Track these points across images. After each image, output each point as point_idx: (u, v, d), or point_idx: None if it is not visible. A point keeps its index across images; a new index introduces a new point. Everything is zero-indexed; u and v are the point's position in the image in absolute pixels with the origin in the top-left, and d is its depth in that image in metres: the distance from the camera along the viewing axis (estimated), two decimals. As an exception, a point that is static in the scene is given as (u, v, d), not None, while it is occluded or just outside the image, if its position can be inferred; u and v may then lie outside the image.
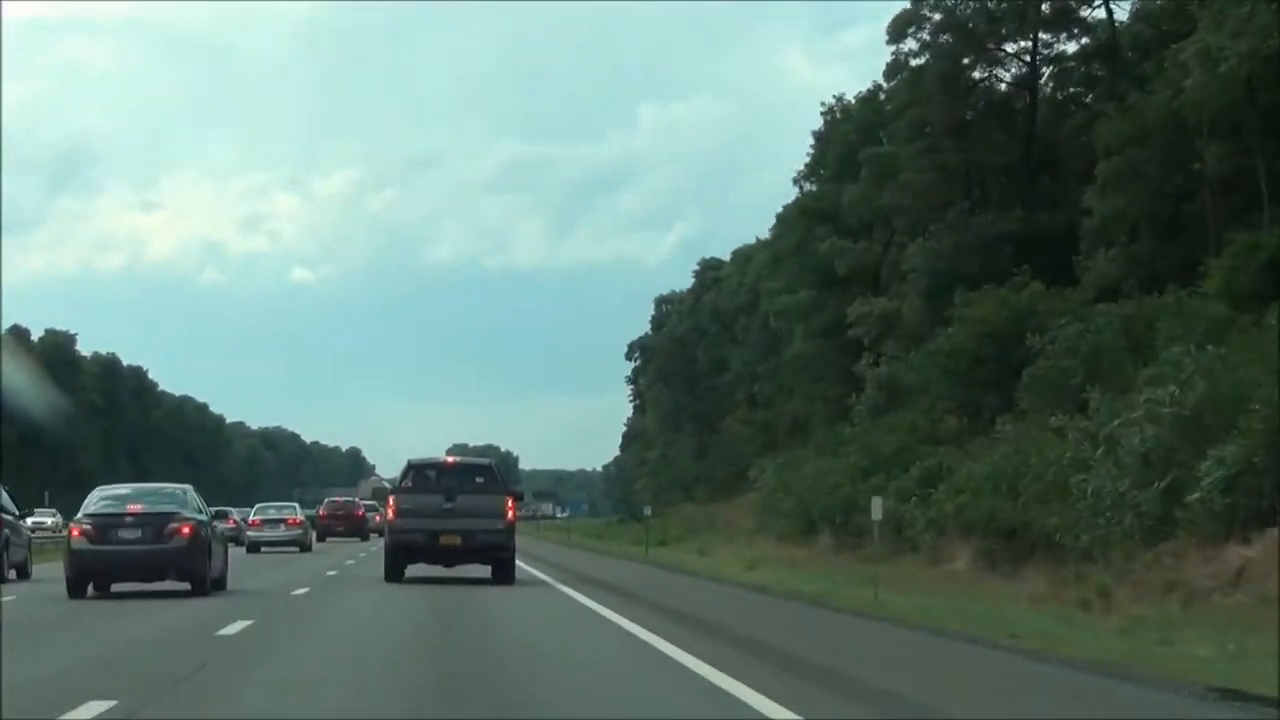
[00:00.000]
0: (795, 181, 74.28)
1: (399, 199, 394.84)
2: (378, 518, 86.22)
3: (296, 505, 75.95)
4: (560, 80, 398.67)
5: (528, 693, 14.96)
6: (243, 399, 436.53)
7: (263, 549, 65.62)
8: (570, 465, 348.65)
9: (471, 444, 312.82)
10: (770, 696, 13.91)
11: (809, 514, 48.99)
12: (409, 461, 37.77)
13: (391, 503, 36.66)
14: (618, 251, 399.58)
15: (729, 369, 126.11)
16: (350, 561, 50.56)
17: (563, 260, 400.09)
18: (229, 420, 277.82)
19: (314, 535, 73.27)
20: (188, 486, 33.79)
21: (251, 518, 71.21)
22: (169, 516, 30.42)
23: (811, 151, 73.21)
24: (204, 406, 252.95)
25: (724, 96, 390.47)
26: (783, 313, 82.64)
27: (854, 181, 63.00)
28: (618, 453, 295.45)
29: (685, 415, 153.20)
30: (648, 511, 77.13)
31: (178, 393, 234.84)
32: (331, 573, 42.17)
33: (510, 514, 35.76)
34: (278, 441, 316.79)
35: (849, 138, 65.76)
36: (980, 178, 53.27)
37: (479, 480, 36.66)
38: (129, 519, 30.37)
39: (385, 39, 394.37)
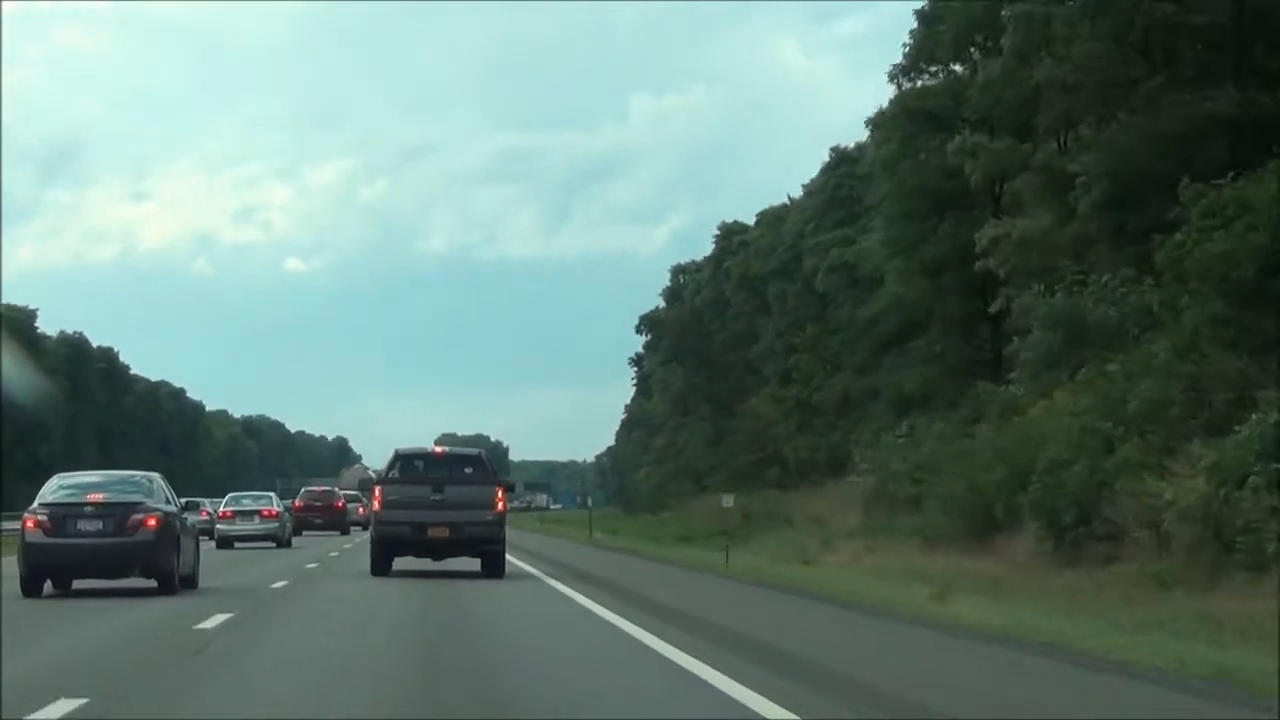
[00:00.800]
0: (892, 78, 59.12)
1: (391, 189, 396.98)
2: (361, 509, 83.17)
3: (273, 495, 69.01)
4: (553, 70, 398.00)
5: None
6: (232, 389, 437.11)
7: (235, 544, 60.02)
8: (561, 456, 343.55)
9: (460, 433, 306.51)
10: None
11: (987, 507, 34.06)
12: (396, 451, 36.80)
13: (378, 493, 35.54)
14: (610, 242, 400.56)
15: (756, 342, 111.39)
16: (334, 553, 49.55)
17: (555, 251, 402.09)
18: (210, 409, 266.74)
19: (291, 528, 66.73)
20: (155, 474, 31.55)
21: (222, 509, 65.23)
22: (133, 507, 28.79)
23: (911, 39, 58.08)
24: (181, 392, 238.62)
25: (717, 86, 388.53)
26: (864, 255, 68.55)
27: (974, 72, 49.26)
28: (611, 443, 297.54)
29: (699, 397, 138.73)
30: (728, 503, 61.71)
31: (153, 377, 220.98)
32: (311, 565, 40.65)
33: (500, 505, 35.16)
34: (260, 430, 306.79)
35: (972, 11, 50.61)
36: (1170, 46, 38.47)
37: (468, 470, 35.76)
38: (89, 509, 28.65)
39: (378, 28, 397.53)
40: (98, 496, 29.04)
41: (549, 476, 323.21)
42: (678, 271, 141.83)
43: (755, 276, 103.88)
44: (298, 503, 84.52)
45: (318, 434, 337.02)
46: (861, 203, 79.36)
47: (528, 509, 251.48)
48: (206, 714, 13.36)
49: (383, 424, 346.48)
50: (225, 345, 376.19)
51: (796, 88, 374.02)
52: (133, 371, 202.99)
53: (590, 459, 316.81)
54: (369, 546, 35.97)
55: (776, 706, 12.90)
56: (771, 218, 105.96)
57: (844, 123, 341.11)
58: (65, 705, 13.06)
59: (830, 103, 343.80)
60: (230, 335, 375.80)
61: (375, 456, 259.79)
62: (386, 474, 36.32)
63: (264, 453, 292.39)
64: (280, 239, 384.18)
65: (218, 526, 62.71)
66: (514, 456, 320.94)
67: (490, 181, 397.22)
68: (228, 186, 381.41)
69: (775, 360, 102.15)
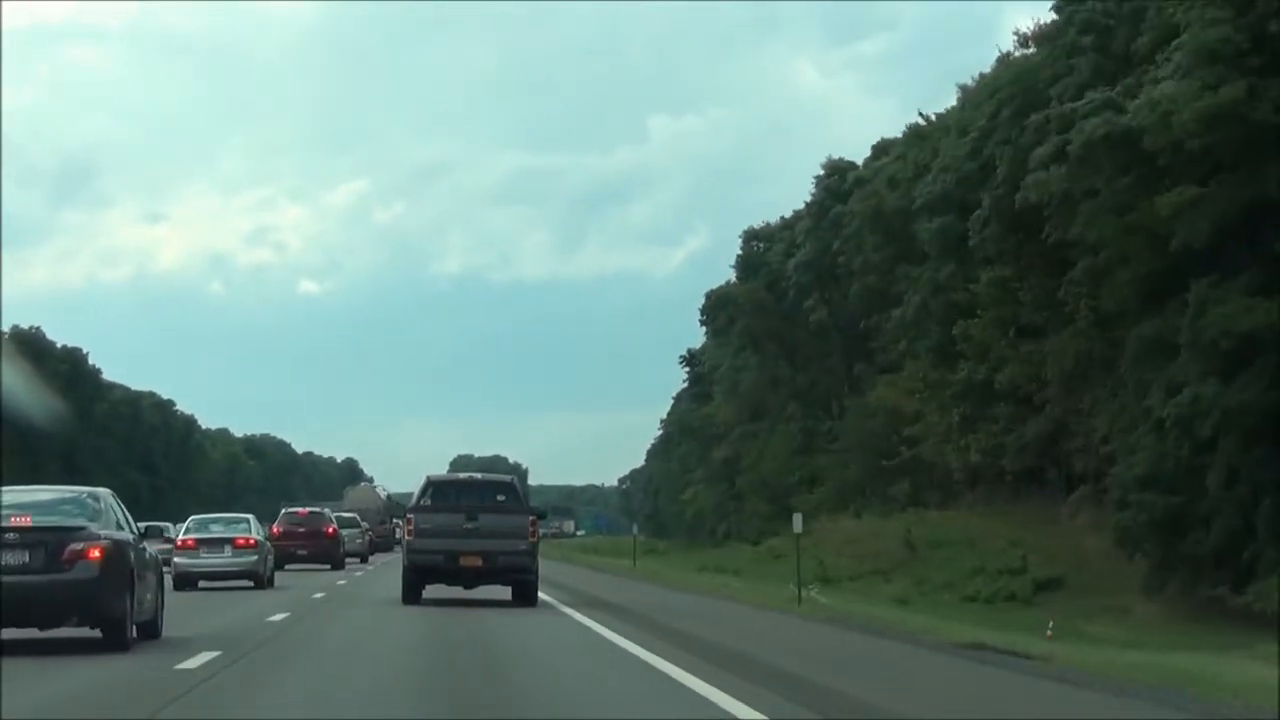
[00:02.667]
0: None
1: (406, 211, 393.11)
2: (369, 536, 75.53)
3: (251, 519, 52.09)
4: (570, 91, 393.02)
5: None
6: (244, 411, 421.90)
7: (199, 583, 45.81)
8: (577, 481, 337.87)
9: (477, 455, 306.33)
10: None
11: None
12: (428, 478, 36.08)
13: (410, 521, 34.64)
14: (625, 264, 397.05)
15: (878, 312, 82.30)
16: (318, 594, 39.62)
17: (570, 272, 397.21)
18: (213, 427, 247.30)
19: (269, 566, 49.27)
20: (104, 491, 24.41)
21: (181, 536, 49.43)
22: (71, 533, 22.05)
23: None
24: (168, 404, 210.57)
25: (734, 107, 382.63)
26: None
27: None
28: (636, 465, 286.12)
29: (783, 393, 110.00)
30: (798, 526, 36.17)
31: (135, 385, 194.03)
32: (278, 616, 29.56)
33: (533, 534, 34.34)
34: (264, 450, 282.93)
35: None
36: None
37: (500, 498, 35.05)
38: (10, 536, 21.66)
39: (394, 49, 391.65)
40: (23, 520, 21.91)
41: (567, 502, 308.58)
42: (751, 238, 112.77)
43: (889, 213, 74.49)
44: (276, 528, 65.85)
45: (326, 454, 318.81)
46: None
47: (558, 535, 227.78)
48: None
49: (395, 446, 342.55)
50: (238, 367, 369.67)
51: (814, 109, 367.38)
52: (105, 376, 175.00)
53: (611, 483, 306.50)
54: (400, 573, 34.97)
55: None
56: (911, 138, 77.09)
57: (862, 144, 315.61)
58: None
59: (848, 124, 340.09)
60: (242, 357, 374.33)
61: (387, 479, 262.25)
62: (419, 501, 35.10)
63: (267, 474, 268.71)
64: (294, 260, 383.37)
65: (175, 559, 46.22)
66: (532, 480, 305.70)
67: (505, 202, 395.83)
68: (242, 208, 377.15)
69: (918, 331, 73.20)
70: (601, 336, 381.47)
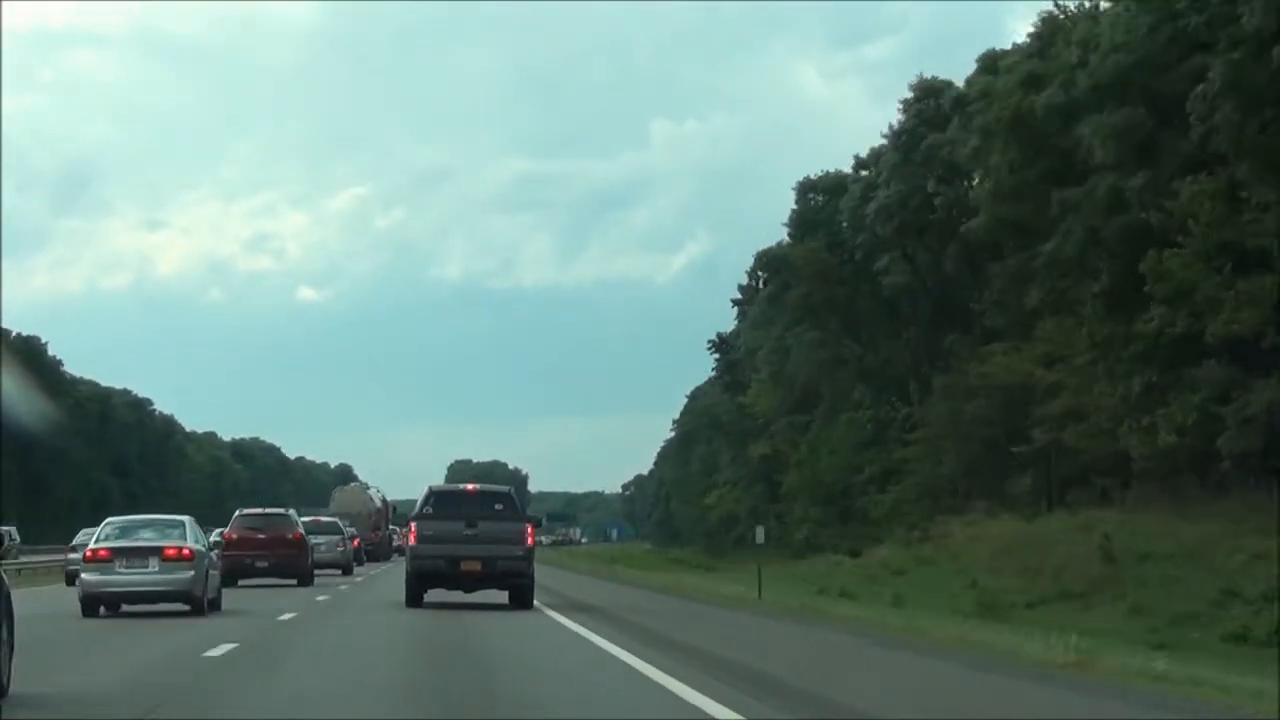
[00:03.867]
0: None
1: (407, 217, 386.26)
2: (351, 545, 64.34)
3: (188, 521, 36.41)
4: (572, 96, 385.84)
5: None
6: (238, 418, 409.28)
7: (119, 606, 33.98)
8: (578, 487, 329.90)
9: (475, 460, 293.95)
10: None
11: None
12: (430, 488, 37.16)
13: (413, 528, 35.44)
14: (626, 269, 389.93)
15: (1003, 257, 64.00)
16: (286, 615, 31.69)
17: (571, 278, 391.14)
18: (200, 430, 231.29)
19: (212, 584, 35.31)
20: None
21: (93, 545, 35.38)
22: None
23: None
24: (143, 402, 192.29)
25: (736, 112, 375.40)
26: None
27: None
28: (637, 471, 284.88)
29: (847, 374, 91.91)
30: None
31: (105, 382, 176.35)
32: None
33: (529, 540, 35.45)
34: (253, 454, 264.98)
35: None
36: None
37: (498, 507, 35.96)
38: None
39: (396, 55, 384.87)
40: None
41: (569, 508, 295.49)
42: (807, 190, 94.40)
43: (1032, 116, 55.55)
44: (229, 533, 54.88)
45: (319, 460, 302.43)
46: None
47: (565, 543, 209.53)
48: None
49: (392, 453, 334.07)
50: (234, 374, 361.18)
51: (817, 113, 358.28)
52: (66, 369, 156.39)
53: (613, 489, 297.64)
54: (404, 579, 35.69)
55: None
56: (1045, 31, 58.73)
57: (865, 148, 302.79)
58: None
59: (852, 128, 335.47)
60: (240, 364, 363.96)
61: (384, 485, 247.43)
62: (421, 509, 35.85)
63: (255, 478, 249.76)
64: (293, 267, 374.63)
65: (83, 575, 34.64)
66: (532, 487, 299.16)
67: (507, 208, 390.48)
68: (243, 214, 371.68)
69: (1079, 272, 54.87)
70: (602, 342, 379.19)
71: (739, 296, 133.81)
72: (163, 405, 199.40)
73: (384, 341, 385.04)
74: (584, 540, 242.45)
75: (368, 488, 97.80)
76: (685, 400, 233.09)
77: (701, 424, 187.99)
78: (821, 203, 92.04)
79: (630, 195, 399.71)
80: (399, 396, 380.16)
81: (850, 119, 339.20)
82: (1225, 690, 18.35)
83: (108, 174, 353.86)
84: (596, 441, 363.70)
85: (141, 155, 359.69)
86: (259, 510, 59.34)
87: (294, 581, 51.42)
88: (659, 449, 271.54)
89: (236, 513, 57.84)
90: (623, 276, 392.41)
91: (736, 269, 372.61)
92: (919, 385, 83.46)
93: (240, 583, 49.66)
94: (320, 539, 62.20)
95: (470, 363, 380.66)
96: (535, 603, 35.16)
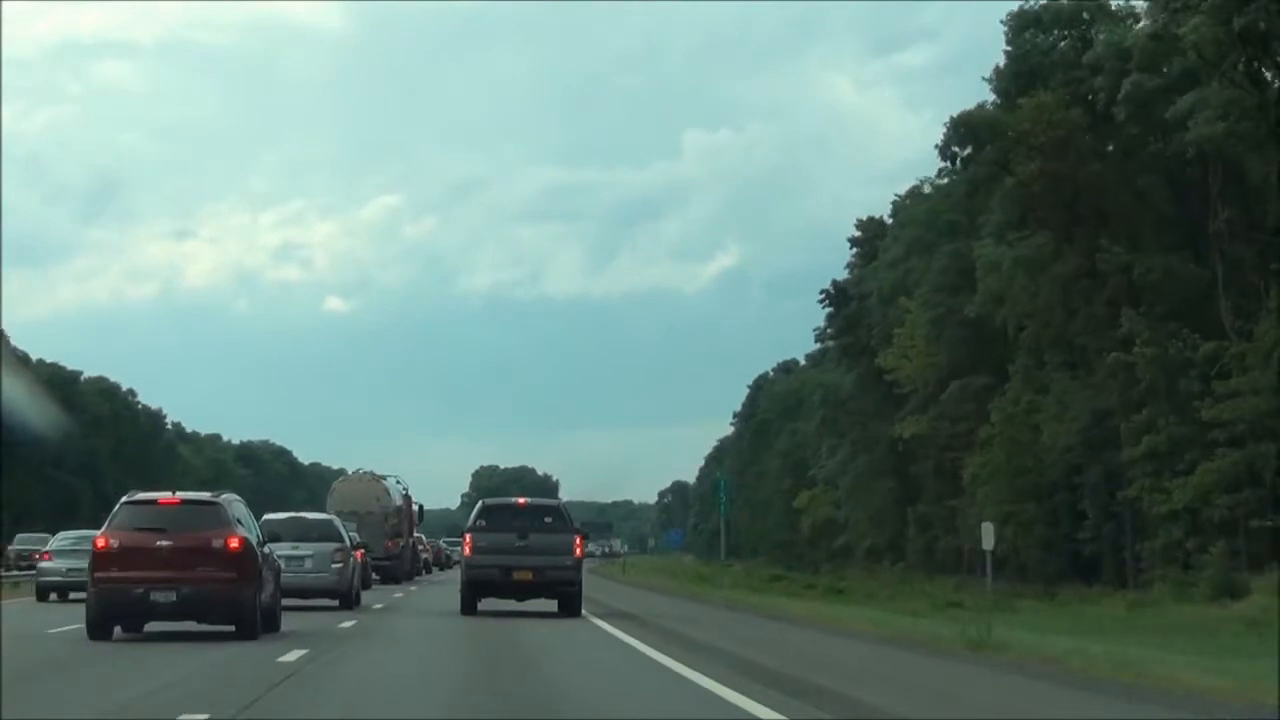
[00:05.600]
0: None
1: (438, 226, 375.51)
2: (358, 554, 43.08)
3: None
4: (604, 105, 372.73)
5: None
6: (261, 429, 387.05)
7: None
8: (607, 497, 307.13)
9: (502, 466, 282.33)
10: None
11: None
12: (483, 502, 38.85)
13: (469, 540, 36.64)
14: (656, 280, 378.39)
15: None
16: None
17: (600, 288, 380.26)
18: (204, 433, 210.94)
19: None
20: None
21: None
22: None
23: None
24: (125, 394, 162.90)
25: (770, 121, 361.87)
26: None
27: None
28: (670, 480, 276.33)
29: (1087, 295, 60.36)
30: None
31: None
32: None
33: (578, 551, 36.55)
34: (262, 458, 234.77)
35: None
36: None
37: (548, 520, 37.19)
38: None
39: (427, 64, 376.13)
40: None
41: (600, 518, 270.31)
42: (1025, 24, 62.46)
43: None
44: (103, 537, 27.08)
45: (335, 466, 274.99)
46: None
47: (611, 555, 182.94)
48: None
49: (418, 462, 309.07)
50: (260, 383, 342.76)
51: (851, 122, 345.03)
52: (16, 345, 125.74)
53: (645, 499, 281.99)
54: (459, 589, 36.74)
55: None
56: None
57: (901, 158, 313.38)
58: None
59: (886, 137, 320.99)
60: (266, 373, 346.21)
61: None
62: (475, 522, 37.01)
63: (262, 484, 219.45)
64: (321, 277, 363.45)
65: None
66: (562, 495, 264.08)
67: (538, 218, 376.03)
68: (272, 224, 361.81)
69: None
70: (630, 353, 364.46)
71: (857, 234, 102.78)
72: (184, 415, 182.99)
73: (412, 351, 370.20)
74: (625, 549, 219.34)
75: (383, 478, 66.55)
76: (747, 390, 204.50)
77: (780, 411, 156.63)
78: (1051, 41, 60.52)
79: (661, 205, 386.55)
80: (426, 407, 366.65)
81: (886, 128, 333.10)
82: None
83: (136, 184, 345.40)
84: (625, 452, 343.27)
85: (170, 165, 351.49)
86: (161, 496, 28.43)
87: (231, 628, 26.78)
88: (709, 451, 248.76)
89: (121, 502, 28.23)
90: (652, 287, 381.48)
91: (766, 279, 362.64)
92: (1238, 315, 52.30)
93: (119, 633, 27.05)
94: (299, 551, 39.13)
95: (498, 373, 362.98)
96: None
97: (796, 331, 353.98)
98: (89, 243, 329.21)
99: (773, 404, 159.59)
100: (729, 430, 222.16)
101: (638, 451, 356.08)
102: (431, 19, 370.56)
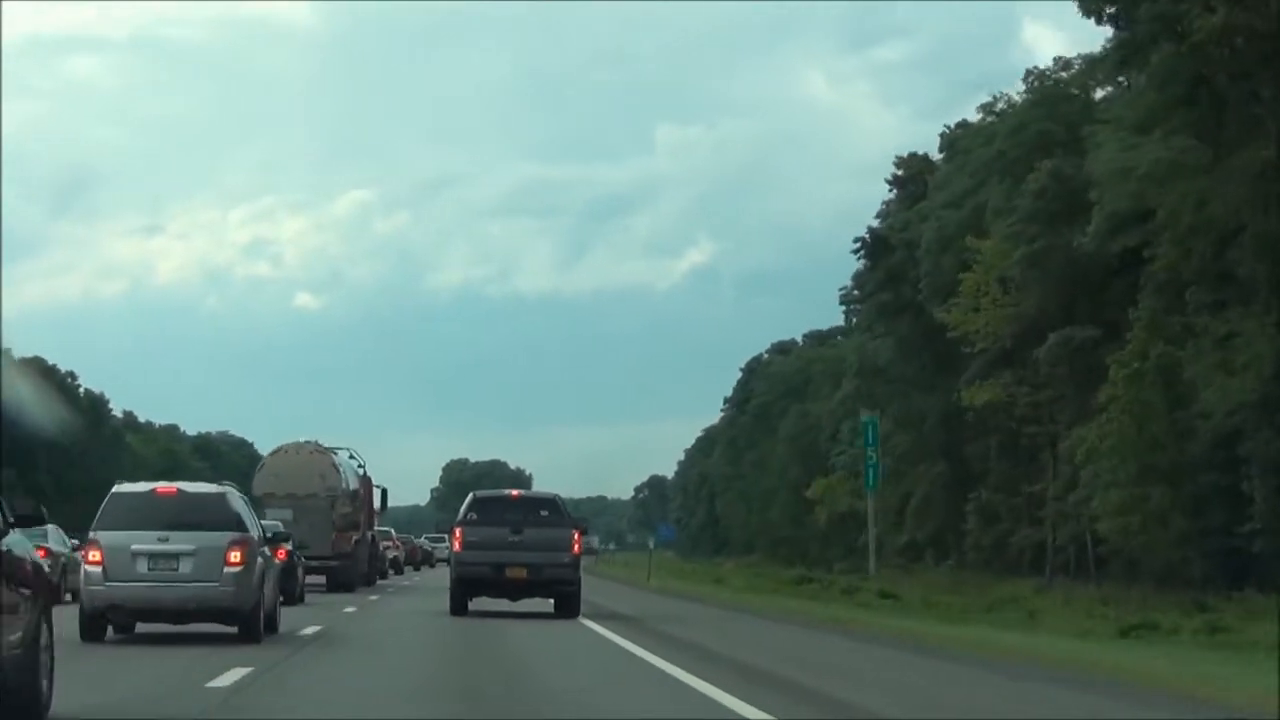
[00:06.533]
0: None
1: (409, 222, 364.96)
2: (279, 553, 31.33)
3: None
4: (577, 101, 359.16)
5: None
6: (230, 425, 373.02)
7: None
8: (579, 493, 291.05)
9: (472, 459, 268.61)
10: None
11: None
12: (473, 494, 36.26)
13: (458, 534, 34.13)
14: (628, 277, 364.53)
15: None
16: None
17: (571, 285, 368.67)
18: (159, 423, 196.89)
19: None
20: None
21: None
22: None
23: None
24: (68, 376, 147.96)
25: (743, 116, 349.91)
26: None
27: None
28: (644, 477, 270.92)
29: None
30: None
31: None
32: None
33: (576, 547, 34.29)
34: (219, 450, 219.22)
35: None
36: None
37: (544, 513, 34.91)
38: None
39: (399, 59, 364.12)
40: None
41: (574, 514, 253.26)
42: None
43: None
44: None
45: None
46: None
47: (592, 553, 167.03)
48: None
49: (389, 458, 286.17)
50: (231, 382, 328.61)
51: (826, 118, 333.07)
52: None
53: (620, 495, 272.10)
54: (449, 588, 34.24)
55: None
56: None
57: (875, 154, 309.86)
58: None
59: (861, 133, 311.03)
60: (237, 372, 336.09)
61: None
62: (465, 516, 34.52)
63: (220, 477, 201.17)
64: (291, 274, 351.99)
65: None
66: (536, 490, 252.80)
67: (510, 214, 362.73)
68: (242, 220, 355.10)
69: None
70: (604, 349, 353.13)
71: (897, 174, 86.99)
72: (149, 410, 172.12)
73: (382, 348, 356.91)
74: (612, 548, 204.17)
75: (331, 451, 50.28)
76: (740, 374, 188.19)
77: (783, 392, 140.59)
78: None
79: (632, 201, 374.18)
80: (396, 403, 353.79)
81: (860, 124, 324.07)
82: None
83: (105, 180, 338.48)
84: (598, 448, 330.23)
85: (140, 161, 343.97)
86: None
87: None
88: (691, 443, 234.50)
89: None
90: (624, 283, 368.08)
91: (738, 276, 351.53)
92: None
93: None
94: (171, 546, 24.47)
95: (470, 370, 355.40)
96: None
97: (769, 328, 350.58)
98: (56, 238, 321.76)
99: (773, 385, 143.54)
100: (717, 420, 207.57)
101: (611, 447, 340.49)
102: (405, 15, 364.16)
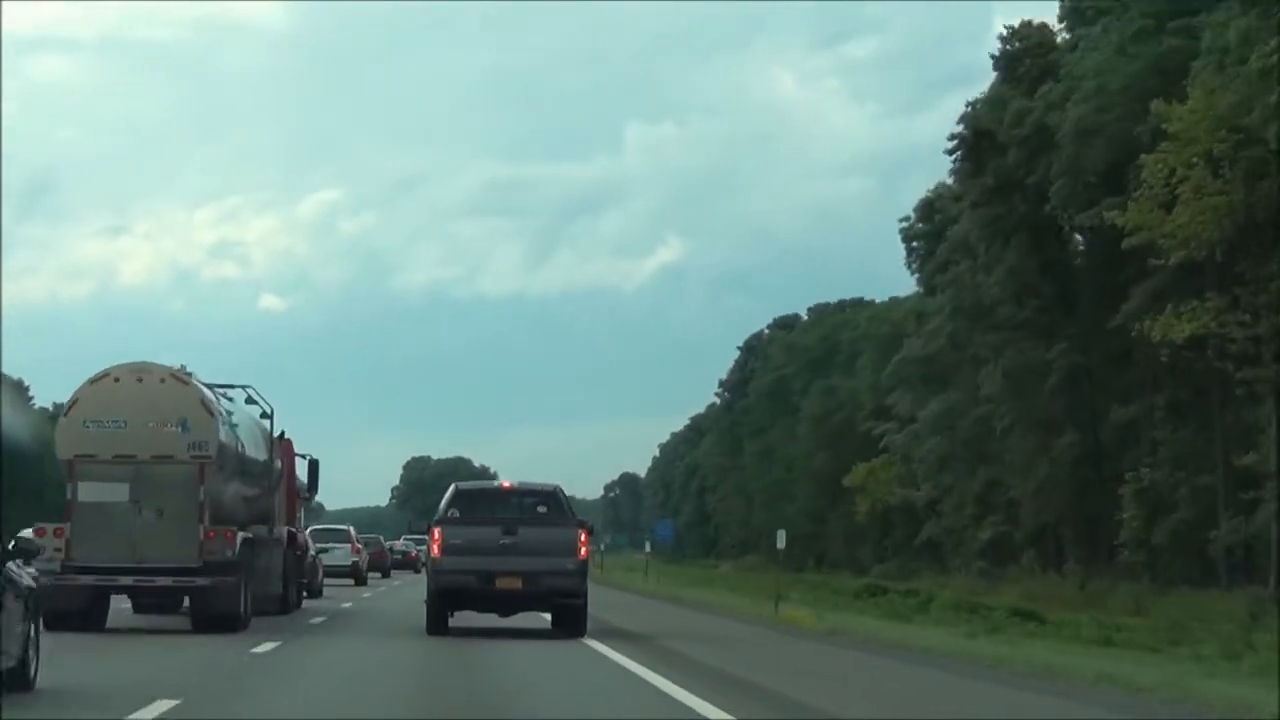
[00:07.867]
0: None
1: (377, 222, 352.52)
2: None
3: None
4: (546, 99, 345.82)
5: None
6: None
7: None
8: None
9: (435, 456, 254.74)
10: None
11: None
12: (455, 486, 29.45)
13: (437, 536, 27.19)
14: (596, 276, 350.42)
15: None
16: None
17: (538, 285, 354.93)
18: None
19: None
20: None
21: None
22: None
23: None
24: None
25: (713, 115, 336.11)
26: None
27: None
28: (614, 475, 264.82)
29: None
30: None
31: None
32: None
33: (583, 551, 27.59)
34: None
35: None
36: None
37: (542, 510, 28.39)
38: None
39: (367, 59, 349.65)
40: None
41: None
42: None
43: None
44: None
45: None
46: None
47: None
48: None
49: (353, 459, 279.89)
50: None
51: (795, 116, 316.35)
52: None
53: (588, 494, 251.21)
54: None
55: None
56: None
57: (843, 155, 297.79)
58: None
59: (830, 131, 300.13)
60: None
61: (339, 494, 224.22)
62: (445, 513, 27.85)
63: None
64: (258, 275, 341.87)
65: None
66: None
67: (477, 213, 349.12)
68: (208, 221, 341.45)
69: None
70: (572, 348, 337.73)
71: (1004, 49, 66.02)
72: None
73: (348, 349, 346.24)
74: (601, 548, 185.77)
75: (205, 386, 28.64)
76: (737, 353, 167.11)
77: (804, 364, 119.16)
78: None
79: (601, 200, 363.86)
80: (361, 404, 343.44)
81: (829, 122, 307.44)
82: None
83: (70, 181, 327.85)
84: (564, 446, 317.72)
85: (105, 161, 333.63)
86: None
87: None
88: (679, 430, 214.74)
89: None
90: (592, 284, 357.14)
91: (706, 275, 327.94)
92: None
93: None
94: None
95: (435, 371, 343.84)
96: None
97: (738, 326, 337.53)
98: (21, 240, 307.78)
99: (793, 358, 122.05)
100: (704, 409, 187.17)
101: (578, 446, 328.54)
102: (373, 15, 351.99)
